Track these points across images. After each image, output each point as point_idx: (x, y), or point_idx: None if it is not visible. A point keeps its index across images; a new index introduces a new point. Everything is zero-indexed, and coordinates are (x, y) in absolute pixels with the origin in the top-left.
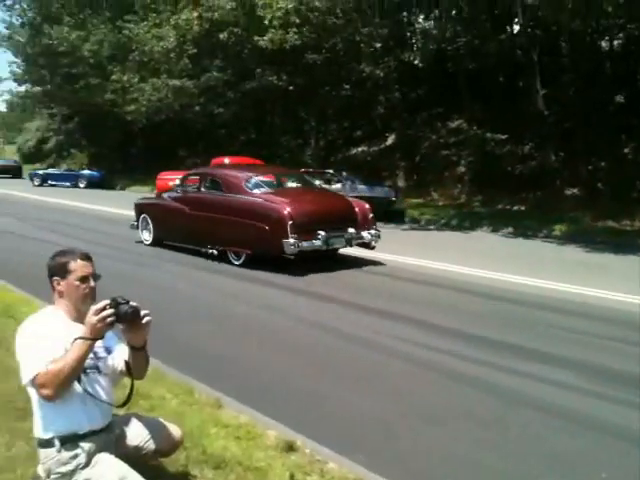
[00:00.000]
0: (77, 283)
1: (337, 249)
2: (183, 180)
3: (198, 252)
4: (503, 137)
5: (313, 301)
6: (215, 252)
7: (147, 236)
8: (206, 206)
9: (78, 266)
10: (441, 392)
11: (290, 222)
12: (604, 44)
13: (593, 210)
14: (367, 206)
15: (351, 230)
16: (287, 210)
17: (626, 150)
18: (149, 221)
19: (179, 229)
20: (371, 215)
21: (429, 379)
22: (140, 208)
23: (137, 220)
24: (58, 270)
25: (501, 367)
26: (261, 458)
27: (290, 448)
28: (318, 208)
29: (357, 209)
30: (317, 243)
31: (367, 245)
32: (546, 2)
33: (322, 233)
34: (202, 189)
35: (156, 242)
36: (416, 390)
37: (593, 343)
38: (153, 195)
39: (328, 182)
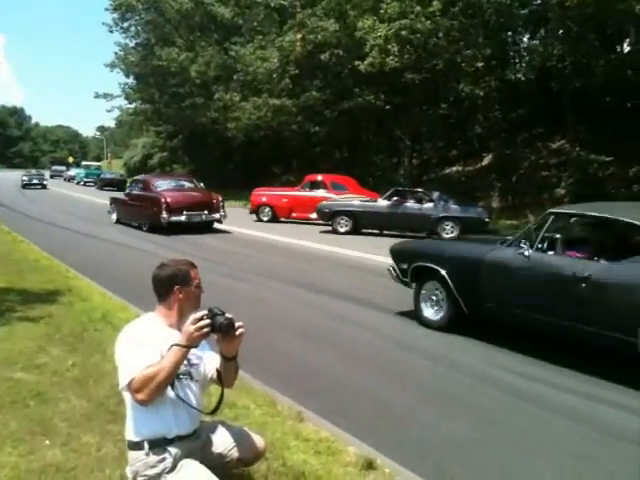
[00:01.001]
0: (196, 290)
1: (201, 223)
2: (130, 183)
3: None
4: (607, 159)
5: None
6: (144, 227)
7: (114, 217)
8: (134, 198)
9: (195, 274)
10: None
11: (165, 206)
12: None
13: None
14: (220, 198)
15: (206, 212)
16: (164, 200)
17: None
18: (114, 208)
19: (124, 212)
20: (221, 203)
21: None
22: (111, 201)
23: (110, 207)
24: (181, 279)
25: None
26: (340, 474)
27: (370, 466)
28: (186, 199)
29: (214, 200)
30: (181, 218)
31: (218, 221)
32: None
33: (185, 212)
34: (136, 189)
35: (118, 221)
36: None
37: None
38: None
39: (419, 201)
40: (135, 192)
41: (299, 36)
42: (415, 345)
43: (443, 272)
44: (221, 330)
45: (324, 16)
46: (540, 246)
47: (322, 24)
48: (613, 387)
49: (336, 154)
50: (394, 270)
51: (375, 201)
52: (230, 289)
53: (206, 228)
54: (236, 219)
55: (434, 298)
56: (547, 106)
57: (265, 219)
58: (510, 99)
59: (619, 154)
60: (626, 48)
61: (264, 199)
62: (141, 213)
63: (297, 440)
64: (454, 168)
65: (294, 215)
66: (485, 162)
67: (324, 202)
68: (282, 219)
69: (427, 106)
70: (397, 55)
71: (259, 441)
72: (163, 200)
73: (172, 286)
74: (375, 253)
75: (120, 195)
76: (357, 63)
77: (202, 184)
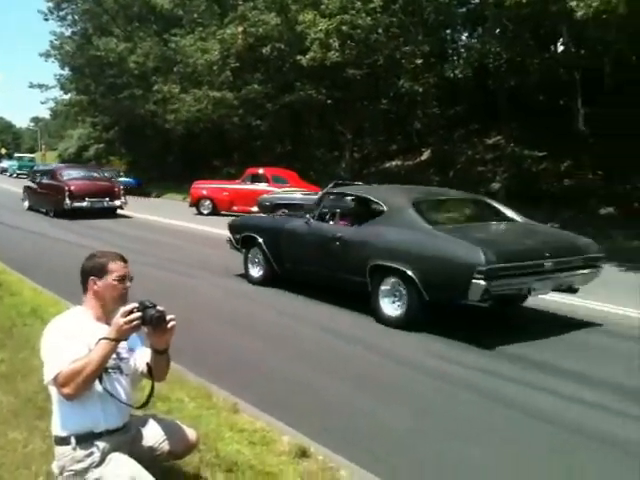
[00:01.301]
0: (115, 283)
1: (103, 209)
2: (40, 173)
3: None
4: (540, 154)
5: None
6: (51, 213)
7: (26, 204)
8: (43, 187)
9: (117, 267)
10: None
11: (67, 193)
12: None
13: (628, 229)
14: (121, 186)
15: (107, 199)
16: (68, 188)
17: None
18: (27, 196)
19: (35, 200)
20: (122, 192)
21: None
22: (24, 189)
23: (23, 195)
24: (97, 270)
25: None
26: (273, 463)
27: (303, 454)
28: (88, 187)
29: (115, 189)
30: (83, 204)
31: (120, 207)
32: (592, 21)
33: (87, 199)
34: (45, 178)
35: (30, 208)
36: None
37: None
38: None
39: None
40: (44, 181)
41: (240, 29)
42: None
43: (260, 240)
44: (152, 323)
45: (265, 9)
46: (318, 217)
47: (263, 17)
48: (551, 375)
49: (278, 148)
50: (231, 240)
51: (317, 194)
52: (158, 280)
53: (112, 214)
54: (174, 212)
55: (256, 260)
56: (484, 103)
57: (205, 212)
58: (448, 96)
59: (552, 150)
60: (559, 48)
61: (204, 192)
62: (48, 200)
63: (231, 431)
64: (394, 162)
65: (235, 208)
66: (424, 157)
67: (265, 195)
68: (223, 212)
69: (368, 101)
70: (338, 50)
71: (191, 434)
72: (67, 188)
73: (87, 277)
74: None
75: (32, 184)
76: (299, 57)
77: (121, 176)
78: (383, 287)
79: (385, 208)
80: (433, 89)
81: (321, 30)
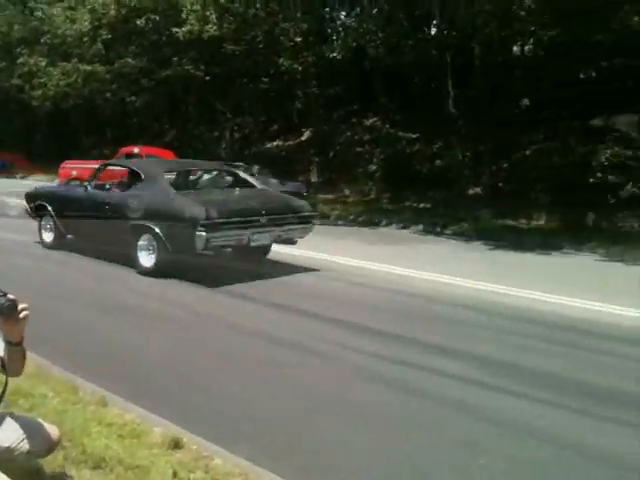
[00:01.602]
0: None
1: None
2: None
3: None
4: (414, 136)
5: None
6: None
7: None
8: None
9: None
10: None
11: None
12: (515, 49)
13: (493, 208)
14: None
15: None
16: None
17: (527, 152)
18: None
19: None
20: None
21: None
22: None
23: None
24: None
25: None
26: (144, 456)
27: (176, 445)
28: None
29: None
30: None
31: None
32: (463, 4)
33: None
34: None
35: None
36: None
37: (483, 336)
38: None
39: None
40: None
41: None
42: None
43: (49, 208)
44: (2, 313)
45: None
46: (94, 186)
47: None
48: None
49: (155, 126)
50: (28, 209)
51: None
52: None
53: None
54: None
55: (48, 227)
56: (362, 84)
57: None
58: (328, 76)
59: (424, 131)
60: (433, 30)
61: (74, 173)
62: None
63: (100, 426)
64: (275, 143)
65: None
66: (304, 137)
67: None
68: None
69: (248, 79)
70: (216, 23)
71: (53, 431)
72: None
73: None
74: None
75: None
76: (175, 30)
77: None
78: (140, 242)
79: (143, 177)
80: (312, 68)
81: (198, 1)
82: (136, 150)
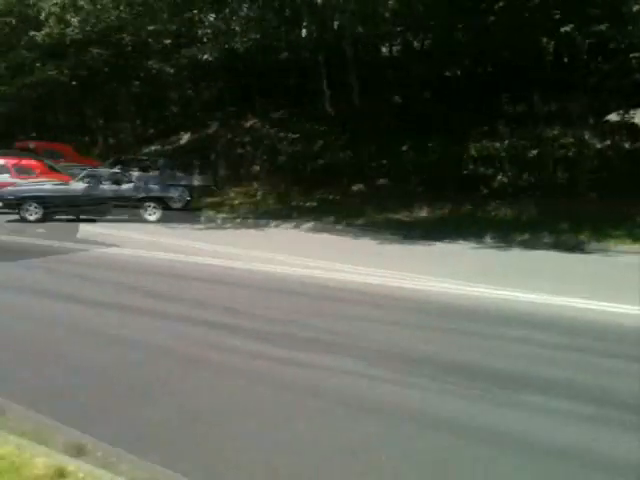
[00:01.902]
0: None
1: None
2: None
3: None
4: (295, 136)
5: None
6: None
7: None
8: None
9: None
10: (231, 393)
11: None
12: (384, 49)
13: (376, 204)
14: None
15: None
16: None
17: (404, 148)
18: None
19: None
20: None
21: (215, 381)
22: None
23: None
24: None
25: (290, 360)
26: None
27: (61, 474)
28: None
29: None
30: None
31: None
32: (329, 5)
33: None
34: None
35: None
36: (202, 394)
37: (371, 328)
38: None
39: (118, 183)
40: None
41: None
42: None
43: None
44: None
45: None
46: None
47: None
48: (291, 346)
49: (21, 135)
50: None
51: (68, 184)
52: None
53: None
54: None
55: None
56: (237, 86)
57: None
58: (202, 78)
59: (304, 131)
60: (303, 31)
61: None
62: None
63: None
64: (153, 147)
65: None
66: (183, 141)
67: (10, 188)
68: None
69: (117, 83)
70: (77, 26)
71: None
72: None
73: None
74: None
75: None
76: (32, 34)
77: None
78: None
79: None
80: (185, 71)
81: (56, 4)
82: (1, 162)
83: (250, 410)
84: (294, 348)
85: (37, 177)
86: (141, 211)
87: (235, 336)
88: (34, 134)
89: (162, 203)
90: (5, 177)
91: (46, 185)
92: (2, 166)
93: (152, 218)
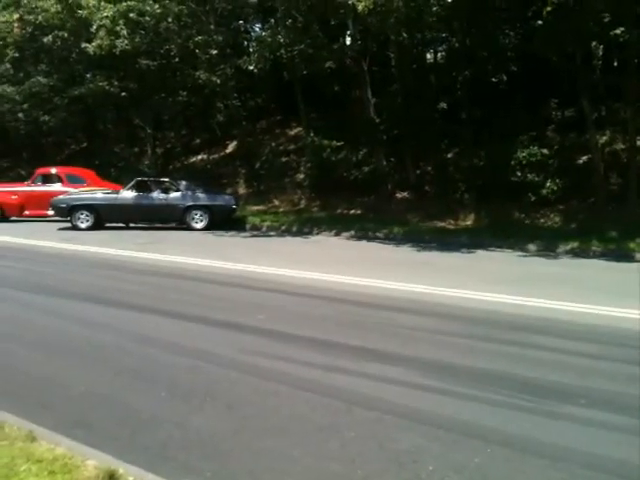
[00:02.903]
0: None
1: None
2: None
3: None
4: (338, 144)
5: None
6: None
7: None
8: None
9: None
10: (276, 401)
11: None
12: (429, 56)
13: (421, 211)
14: None
15: None
16: None
17: (449, 155)
18: None
19: None
20: None
21: (263, 388)
22: None
23: None
24: None
25: (337, 368)
26: None
27: (111, 477)
28: None
29: None
30: None
31: None
32: (374, 13)
33: None
34: None
35: None
36: (251, 400)
37: (424, 338)
38: None
39: (166, 191)
40: None
41: (16, 16)
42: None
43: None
44: None
45: None
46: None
47: (42, 4)
48: (340, 355)
49: (71, 144)
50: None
51: (118, 193)
52: None
53: None
54: None
55: None
56: (282, 95)
57: None
58: (248, 87)
59: (348, 139)
60: (348, 39)
61: None
62: None
63: (28, 463)
64: (199, 156)
65: (27, 213)
66: (229, 150)
67: (62, 196)
68: (13, 218)
69: (166, 93)
70: (127, 37)
71: None
72: None
73: None
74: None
75: None
76: (84, 45)
77: None
78: None
79: None
80: (231, 81)
81: (107, 17)
82: (53, 171)
83: (297, 417)
84: (341, 356)
85: (88, 186)
86: (187, 219)
87: (281, 344)
88: (85, 144)
89: (209, 211)
90: (57, 186)
91: (97, 194)
92: (55, 175)
93: (199, 226)
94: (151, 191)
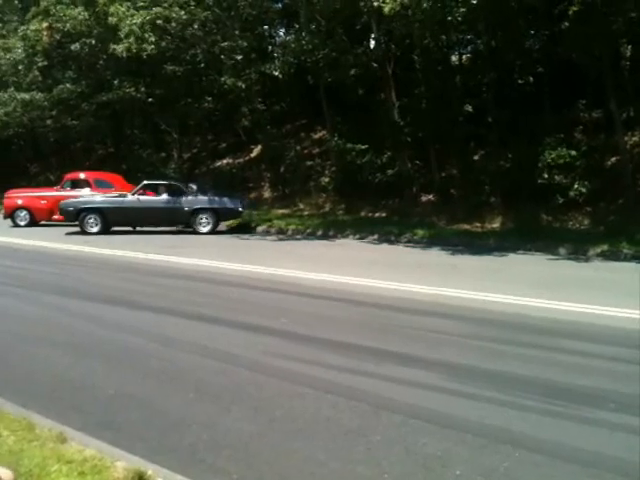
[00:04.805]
0: None
1: None
2: None
3: None
4: (363, 147)
5: None
6: None
7: None
8: None
9: None
10: (302, 403)
11: None
12: (454, 58)
13: (447, 214)
14: None
15: None
16: None
17: (475, 157)
18: None
19: None
20: None
21: (290, 390)
22: None
23: None
24: None
25: (363, 372)
26: None
27: (140, 479)
28: None
29: None
30: None
31: None
32: (398, 16)
33: None
34: None
35: None
36: (277, 402)
37: (450, 342)
38: None
39: (172, 194)
40: None
41: (45, 24)
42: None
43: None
44: None
45: (71, 3)
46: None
47: (70, 12)
48: (365, 358)
49: (99, 149)
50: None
51: (125, 196)
52: None
53: None
54: None
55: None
56: (307, 99)
57: (22, 224)
58: (272, 92)
59: (373, 142)
60: (372, 43)
61: (20, 202)
62: None
63: (59, 463)
64: (225, 161)
65: (55, 217)
66: (254, 154)
67: (69, 200)
68: (42, 222)
69: (192, 99)
70: (154, 42)
71: (6, 474)
72: None
73: None
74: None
75: None
76: (113, 47)
77: None
78: None
79: None
80: (256, 86)
81: (135, 23)
82: (82, 176)
83: (323, 420)
84: (366, 360)
85: (116, 191)
86: (194, 222)
87: (306, 347)
88: (112, 149)
89: (215, 214)
90: (86, 191)
91: (104, 197)
92: (83, 180)
93: (204, 230)
94: (158, 194)
